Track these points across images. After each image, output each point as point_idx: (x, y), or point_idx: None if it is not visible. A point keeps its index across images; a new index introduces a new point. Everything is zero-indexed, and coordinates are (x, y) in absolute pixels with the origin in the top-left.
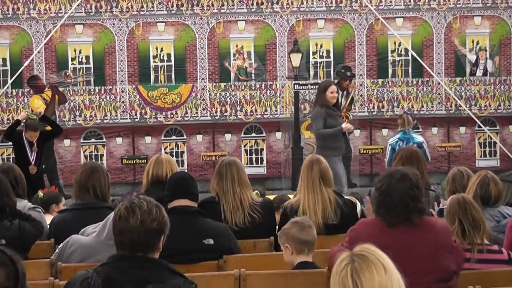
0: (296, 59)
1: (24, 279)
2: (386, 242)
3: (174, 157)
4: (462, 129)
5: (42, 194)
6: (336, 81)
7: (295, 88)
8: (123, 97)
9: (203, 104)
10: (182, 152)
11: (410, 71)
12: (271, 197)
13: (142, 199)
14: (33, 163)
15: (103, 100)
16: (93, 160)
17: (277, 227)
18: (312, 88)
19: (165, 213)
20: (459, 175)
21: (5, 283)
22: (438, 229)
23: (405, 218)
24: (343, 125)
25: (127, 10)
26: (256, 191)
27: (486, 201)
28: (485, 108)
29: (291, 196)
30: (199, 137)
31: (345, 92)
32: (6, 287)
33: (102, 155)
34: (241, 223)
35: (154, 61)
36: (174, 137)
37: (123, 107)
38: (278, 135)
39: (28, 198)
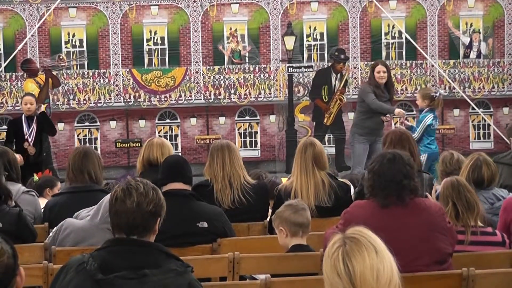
0: (290, 42)
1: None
2: (380, 224)
3: (168, 140)
4: (456, 112)
5: (37, 178)
6: (330, 63)
7: (289, 71)
8: (116, 80)
9: (197, 87)
10: (176, 136)
11: (404, 53)
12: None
13: (139, 181)
14: (31, 143)
15: (96, 83)
16: (87, 143)
17: (270, 210)
18: (306, 71)
19: (161, 195)
20: (449, 157)
21: (7, 261)
22: (432, 211)
23: (398, 197)
24: (397, 110)
25: None
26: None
27: (479, 183)
28: (479, 90)
29: (284, 179)
30: (193, 120)
31: (339, 75)
32: (8, 264)
33: (96, 139)
34: (229, 203)
35: (148, 44)
36: (168, 120)
37: (116, 90)
38: (272, 118)
39: (26, 181)
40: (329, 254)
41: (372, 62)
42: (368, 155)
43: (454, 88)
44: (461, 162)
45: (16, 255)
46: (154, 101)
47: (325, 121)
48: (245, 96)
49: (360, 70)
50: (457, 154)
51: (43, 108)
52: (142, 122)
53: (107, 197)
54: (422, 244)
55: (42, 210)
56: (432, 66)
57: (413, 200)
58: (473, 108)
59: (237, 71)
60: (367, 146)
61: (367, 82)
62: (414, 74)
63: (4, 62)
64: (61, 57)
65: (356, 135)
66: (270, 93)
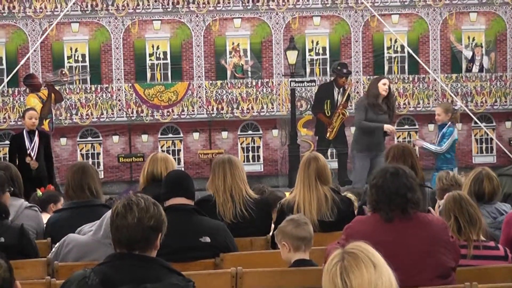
0: (292, 56)
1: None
2: (383, 238)
3: (171, 155)
4: (459, 126)
5: (41, 193)
6: (332, 78)
7: (292, 85)
8: (119, 95)
9: (200, 102)
10: (179, 150)
11: (406, 67)
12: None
13: (139, 197)
14: (34, 157)
15: (99, 98)
16: (90, 158)
17: (273, 224)
18: (308, 85)
19: (162, 211)
20: (445, 174)
21: (4, 274)
22: (434, 225)
23: (402, 210)
24: (386, 126)
25: (123, 8)
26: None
27: (481, 197)
28: (481, 104)
29: (287, 194)
30: (196, 135)
31: (341, 89)
32: (5, 277)
33: (98, 154)
34: (231, 217)
35: (150, 59)
36: (170, 135)
37: (119, 105)
38: (275, 132)
39: (29, 196)
40: (328, 269)
41: (376, 76)
42: (370, 170)
43: (457, 102)
44: (457, 179)
45: (12, 269)
46: (156, 115)
47: (327, 135)
48: (248, 111)
49: (363, 84)
50: (453, 172)
51: (45, 123)
52: (144, 137)
53: (109, 212)
54: (425, 259)
55: (44, 225)
56: (435, 80)
57: (416, 214)
58: (475, 122)
59: (239, 85)
60: (368, 162)
61: (364, 95)
62: (416, 88)
63: (7, 77)
64: (63, 72)
65: (355, 152)
66: (272, 108)
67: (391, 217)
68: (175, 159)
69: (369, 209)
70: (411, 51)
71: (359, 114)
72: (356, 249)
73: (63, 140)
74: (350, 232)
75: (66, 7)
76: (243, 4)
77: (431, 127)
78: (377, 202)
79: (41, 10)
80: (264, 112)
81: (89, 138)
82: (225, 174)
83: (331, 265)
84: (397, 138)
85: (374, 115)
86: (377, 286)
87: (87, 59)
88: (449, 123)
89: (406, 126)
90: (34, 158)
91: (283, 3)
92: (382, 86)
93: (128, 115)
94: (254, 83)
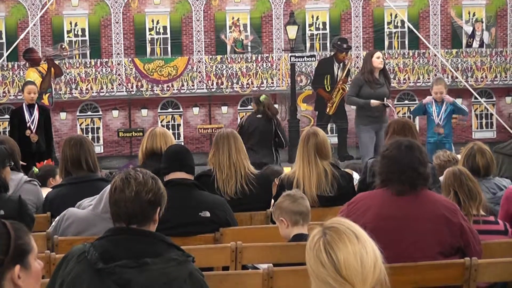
0: (292, 31)
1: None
2: (392, 212)
3: (171, 130)
4: (459, 101)
5: (37, 170)
6: (332, 53)
7: (291, 60)
8: (119, 70)
9: (199, 77)
10: (179, 125)
11: (406, 43)
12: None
13: (138, 171)
14: (34, 131)
15: (99, 73)
16: (90, 133)
17: (272, 200)
18: (308, 60)
19: (161, 185)
20: (441, 152)
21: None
22: (441, 205)
23: (413, 185)
24: (372, 101)
25: None
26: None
27: (476, 172)
28: (482, 79)
29: (288, 169)
30: (196, 110)
31: (341, 64)
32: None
33: (98, 128)
34: (232, 193)
35: (150, 34)
36: (170, 109)
37: (119, 80)
38: (275, 107)
39: (29, 170)
40: (310, 246)
41: (368, 51)
42: (376, 142)
43: (457, 78)
44: (454, 155)
45: (9, 250)
46: (156, 90)
47: (327, 110)
48: (248, 86)
49: (363, 59)
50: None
51: (44, 98)
52: (144, 112)
53: (109, 187)
54: (428, 235)
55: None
56: (435, 55)
57: (424, 190)
58: (475, 98)
59: (239, 60)
60: (373, 134)
61: (359, 72)
62: (416, 63)
63: (6, 51)
64: (63, 47)
65: (360, 126)
66: (272, 83)
67: (403, 190)
68: (174, 134)
69: (378, 180)
70: (411, 26)
71: (351, 90)
72: (336, 223)
73: (62, 115)
74: (354, 207)
75: None
76: None
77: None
78: (388, 173)
79: None
80: (264, 87)
81: (89, 113)
82: (229, 149)
83: (313, 242)
84: (397, 113)
85: (372, 90)
86: (362, 257)
87: (86, 33)
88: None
89: (406, 101)
90: (34, 131)
91: None
92: (377, 60)
93: (127, 89)
94: (254, 58)
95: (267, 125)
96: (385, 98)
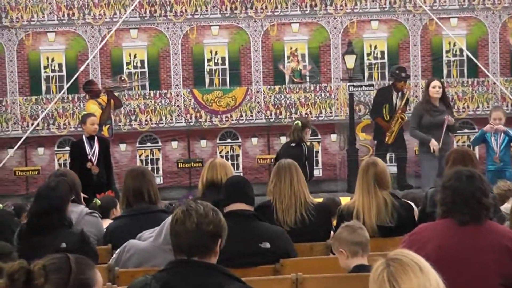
0: (351, 60)
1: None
2: (455, 242)
3: (229, 160)
4: None
5: (99, 201)
6: (391, 82)
7: (350, 89)
8: (178, 100)
9: (258, 107)
10: (237, 155)
11: (465, 71)
12: (319, 199)
13: (199, 203)
14: (95, 162)
15: (158, 104)
16: (149, 164)
17: (332, 232)
18: (366, 90)
19: (222, 217)
20: (502, 182)
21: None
22: (504, 235)
23: (476, 216)
24: (432, 142)
25: (181, 14)
26: (298, 121)
27: None
28: None
29: (345, 198)
30: (254, 140)
31: (400, 93)
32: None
33: (157, 159)
34: (292, 223)
35: (209, 65)
36: (229, 140)
37: (178, 111)
38: (333, 137)
39: (91, 202)
40: (374, 278)
41: (427, 79)
42: (439, 171)
43: None
44: None
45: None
46: (215, 121)
47: (386, 139)
48: (306, 116)
49: (421, 88)
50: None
51: (104, 130)
52: (203, 142)
53: (169, 218)
54: (490, 266)
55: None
56: (494, 83)
57: (486, 220)
58: None
59: (298, 90)
60: (436, 163)
61: (419, 102)
62: (475, 92)
63: (67, 83)
64: (122, 78)
65: (422, 153)
66: (331, 112)
67: (466, 221)
68: (233, 164)
69: (439, 212)
70: (470, 55)
71: (413, 120)
72: (399, 255)
73: (122, 146)
74: (416, 238)
75: (125, 14)
76: (301, 9)
77: None
78: (450, 204)
79: (100, 17)
80: (322, 116)
81: (148, 144)
82: (291, 179)
83: (377, 274)
84: (456, 142)
85: (431, 118)
86: None
87: (145, 65)
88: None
89: (466, 130)
90: (94, 163)
91: (341, 8)
92: (432, 90)
93: (186, 120)
94: (312, 88)
95: (298, 153)
96: (447, 116)
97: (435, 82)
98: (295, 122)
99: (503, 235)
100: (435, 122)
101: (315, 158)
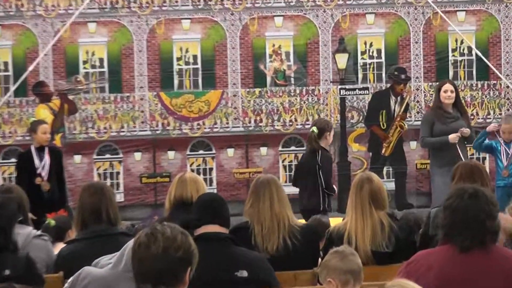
0: (342, 60)
1: None
2: (458, 271)
3: (202, 174)
4: None
5: (53, 222)
6: (388, 85)
7: (341, 93)
8: (142, 105)
9: (235, 113)
10: (211, 169)
11: (474, 73)
12: (302, 221)
13: (165, 225)
14: (45, 178)
15: (119, 109)
16: (108, 179)
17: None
18: (360, 94)
19: (192, 242)
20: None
21: None
22: None
23: (480, 241)
24: (450, 136)
25: (147, 5)
26: (313, 127)
27: None
28: None
29: (336, 219)
30: (230, 151)
31: (399, 98)
32: None
33: (118, 173)
34: (273, 250)
35: (178, 64)
36: (201, 151)
37: (142, 117)
38: None
39: (40, 223)
40: None
41: (438, 82)
42: None
43: None
44: None
45: None
46: (185, 129)
47: (383, 151)
48: (291, 123)
49: (424, 92)
50: None
51: (56, 138)
52: (171, 154)
53: (131, 242)
54: None
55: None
56: (507, 87)
57: (493, 245)
58: None
59: (281, 94)
60: (449, 179)
61: (430, 107)
62: (486, 96)
63: (14, 85)
64: (78, 79)
65: (435, 167)
66: None
67: (467, 246)
68: (206, 179)
69: (440, 236)
70: (479, 54)
71: (423, 129)
72: (397, 286)
73: (77, 158)
74: (414, 268)
75: (81, 5)
76: (286, 1)
77: None
78: (450, 227)
79: (53, 9)
80: (309, 124)
81: (107, 155)
82: (271, 198)
83: None
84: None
85: (444, 125)
86: None
87: (105, 64)
88: None
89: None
90: (45, 179)
91: None
92: (444, 94)
93: (152, 128)
94: (298, 91)
95: (312, 161)
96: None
97: (447, 86)
98: (311, 129)
99: None
100: (450, 131)
101: (331, 167)
